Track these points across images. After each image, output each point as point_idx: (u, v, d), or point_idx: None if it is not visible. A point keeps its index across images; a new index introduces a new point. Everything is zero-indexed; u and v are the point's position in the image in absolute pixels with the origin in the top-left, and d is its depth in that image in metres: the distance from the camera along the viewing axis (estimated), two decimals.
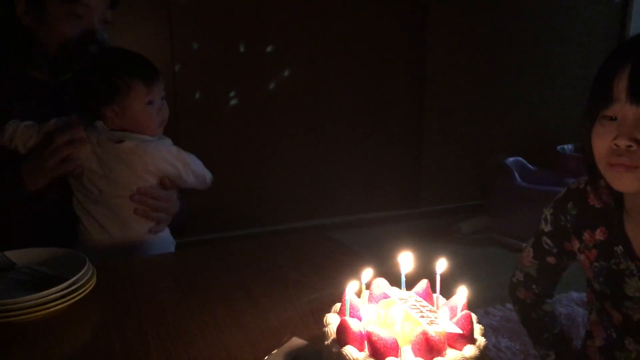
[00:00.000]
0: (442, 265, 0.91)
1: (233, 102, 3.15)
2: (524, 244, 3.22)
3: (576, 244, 1.21)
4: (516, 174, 3.38)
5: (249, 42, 3.10)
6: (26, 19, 1.42)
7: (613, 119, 1.02)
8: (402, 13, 3.37)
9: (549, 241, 1.28)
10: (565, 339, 1.35)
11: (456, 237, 3.37)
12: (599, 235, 1.17)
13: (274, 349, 0.94)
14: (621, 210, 1.14)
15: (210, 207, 3.18)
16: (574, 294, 2.53)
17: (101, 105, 1.39)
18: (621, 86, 1.00)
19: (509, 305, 2.55)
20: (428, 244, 3.24)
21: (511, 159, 3.54)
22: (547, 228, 1.27)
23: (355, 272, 0.92)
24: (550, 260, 1.29)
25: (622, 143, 0.99)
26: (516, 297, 1.38)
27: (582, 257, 1.21)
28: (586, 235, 1.19)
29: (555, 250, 1.27)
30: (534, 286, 1.34)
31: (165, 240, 1.54)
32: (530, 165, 3.58)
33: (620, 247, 1.13)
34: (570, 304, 2.46)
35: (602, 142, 1.03)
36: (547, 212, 1.27)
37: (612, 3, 3.76)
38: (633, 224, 1.12)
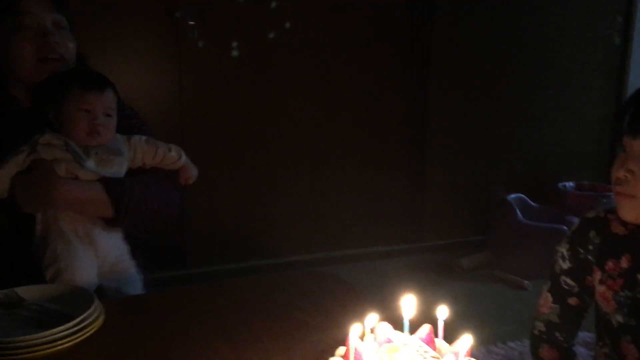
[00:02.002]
0: (443, 311, 0.92)
1: (233, 132, 3.20)
2: (526, 282, 3.21)
3: (597, 275, 1.21)
4: (517, 211, 3.39)
5: (251, 71, 3.15)
6: None
7: (626, 150, 1.08)
8: (405, 49, 3.43)
9: (568, 280, 1.26)
10: None
11: (458, 273, 3.36)
12: (624, 263, 1.16)
13: None
14: None
15: (206, 240, 3.21)
16: (579, 334, 2.52)
17: (46, 108, 1.45)
18: (628, 120, 1.07)
19: (511, 344, 2.54)
20: (429, 280, 3.25)
21: (513, 195, 3.56)
22: (566, 265, 1.26)
23: (358, 313, 0.93)
24: (572, 301, 1.27)
25: (620, 173, 1.06)
26: (538, 357, 1.35)
27: (602, 288, 1.20)
28: (610, 265, 1.18)
29: (576, 289, 1.26)
30: (557, 334, 1.31)
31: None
32: (531, 202, 3.59)
33: None
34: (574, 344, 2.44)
35: (613, 171, 1.10)
36: (563, 249, 1.27)
37: (612, 45, 3.82)
38: None
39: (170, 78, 3.02)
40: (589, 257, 1.23)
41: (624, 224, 1.16)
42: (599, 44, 3.82)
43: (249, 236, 3.32)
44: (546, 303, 1.32)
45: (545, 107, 3.80)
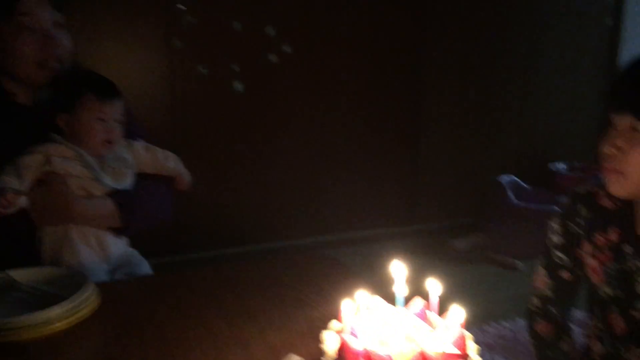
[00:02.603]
0: (435, 285, 0.93)
1: (228, 116, 3.19)
2: (518, 262, 3.24)
3: (587, 248, 1.22)
4: (510, 193, 3.41)
5: (247, 56, 3.14)
6: None
7: (612, 126, 1.09)
8: (401, 30, 3.42)
9: (560, 254, 1.28)
10: None
11: (451, 254, 3.39)
12: (612, 236, 1.18)
13: None
14: (632, 211, 1.16)
15: (203, 225, 3.21)
16: (575, 313, 2.54)
17: (56, 114, 1.44)
18: (613, 97, 1.09)
19: (504, 323, 2.57)
20: (423, 261, 3.26)
21: (505, 177, 3.57)
22: (557, 240, 1.28)
23: (353, 291, 0.94)
24: (565, 275, 1.29)
25: (607, 149, 1.07)
26: (534, 331, 1.37)
27: (592, 261, 1.21)
28: (599, 237, 1.20)
29: (568, 263, 1.27)
30: (552, 308, 1.33)
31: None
32: (524, 184, 3.61)
33: (630, 246, 1.15)
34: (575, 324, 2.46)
35: (601, 147, 1.11)
36: (554, 224, 1.28)
37: (604, 25, 3.83)
38: None
39: (161, 64, 3.00)
40: (579, 231, 1.24)
41: (612, 198, 1.17)
42: (590, 24, 3.82)
43: (245, 221, 3.32)
44: (540, 278, 1.34)
45: (538, 90, 3.80)
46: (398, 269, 0.98)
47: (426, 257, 3.36)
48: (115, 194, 1.47)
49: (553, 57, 3.78)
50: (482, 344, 2.44)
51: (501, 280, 3.05)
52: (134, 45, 2.95)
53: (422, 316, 0.95)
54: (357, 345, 0.83)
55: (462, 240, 3.45)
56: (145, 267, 1.62)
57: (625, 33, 3.86)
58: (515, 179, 3.61)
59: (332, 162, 3.44)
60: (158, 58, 3.00)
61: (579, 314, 2.04)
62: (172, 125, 3.05)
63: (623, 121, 1.07)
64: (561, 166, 3.72)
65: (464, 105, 3.67)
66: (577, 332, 2.36)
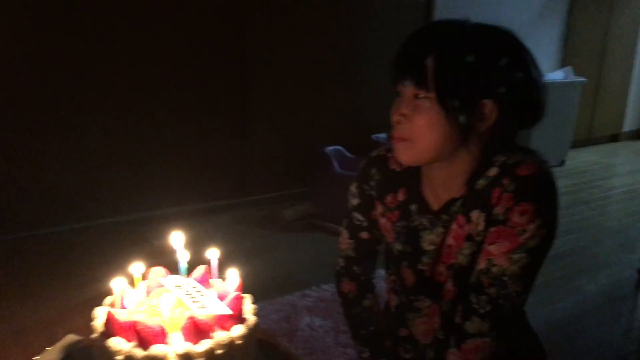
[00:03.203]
0: (214, 253, 0.94)
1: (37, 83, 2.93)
2: (341, 228, 3.36)
3: (380, 209, 1.29)
4: (334, 162, 3.54)
5: (55, 14, 2.90)
6: None
7: (399, 95, 1.14)
8: (225, 8, 3.36)
9: (358, 215, 1.33)
10: (379, 337, 1.39)
11: (280, 224, 3.45)
12: (400, 196, 1.25)
13: (48, 347, 0.90)
14: (418, 173, 1.24)
15: (19, 204, 2.95)
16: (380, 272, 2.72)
17: None
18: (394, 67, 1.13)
19: (324, 286, 2.67)
20: (253, 233, 3.30)
21: (331, 147, 3.69)
22: (355, 201, 1.33)
23: (149, 265, 0.92)
24: (364, 235, 1.34)
25: (395, 118, 1.11)
26: (340, 291, 1.42)
27: (383, 220, 1.28)
28: (389, 198, 1.26)
29: (365, 224, 1.33)
30: (355, 268, 1.39)
31: None
32: (348, 154, 3.76)
33: (415, 205, 1.22)
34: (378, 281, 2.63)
35: (391, 116, 1.15)
36: (353, 187, 1.34)
37: (417, 3, 4.08)
38: (428, 186, 1.22)
39: None
40: (372, 192, 1.31)
41: (400, 162, 1.25)
42: (405, 2, 4.05)
43: (64, 199, 3.06)
44: (344, 239, 1.39)
45: (359, 65, 3.96)
46: (177, 239, 0.97)
47: (256, 228, 3.39)
48: None
49: (372, 38, 3.96)
50: (303, 307, 2.53)
51: (326, 246, 3.17)
52: None
53: (204, 282, 0.95)
54: (122, 317, 0.80)
55: (290, 209, 3.53)
56: None
57: (438, 11, 4.16)
58: (340, 148, 3.75)
59: (160, 136, 3.31)
60: None
61: (381, 272, 2.19)
62: None
63: (406, 90, 1.13)
64: (382, 136, 3.93)
65: (291, 77, 3.71)
66: (381, 288, 2.54)
